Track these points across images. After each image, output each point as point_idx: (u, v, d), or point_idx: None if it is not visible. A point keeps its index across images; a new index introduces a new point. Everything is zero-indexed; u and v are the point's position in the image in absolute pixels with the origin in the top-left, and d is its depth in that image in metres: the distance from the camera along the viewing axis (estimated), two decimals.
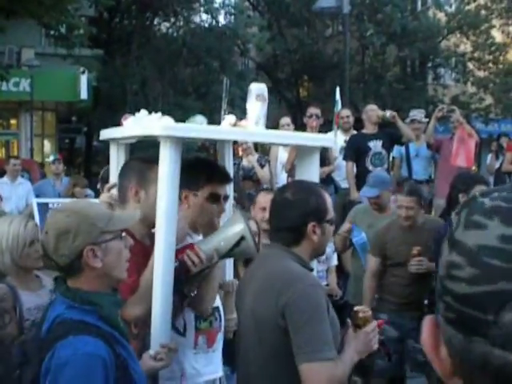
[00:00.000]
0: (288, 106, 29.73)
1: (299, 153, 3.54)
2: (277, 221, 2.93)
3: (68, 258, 2.44)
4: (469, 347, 0.89)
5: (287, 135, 3.58)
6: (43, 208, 7.32)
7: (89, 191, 9.26)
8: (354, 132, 9.53)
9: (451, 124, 9.24)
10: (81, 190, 8.85)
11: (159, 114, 3.17)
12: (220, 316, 3.41)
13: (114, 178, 3.53)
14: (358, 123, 9.79)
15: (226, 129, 3.20)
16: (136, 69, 24.19)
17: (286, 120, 8.93)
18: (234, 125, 3.18)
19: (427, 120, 9.53)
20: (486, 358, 0.87)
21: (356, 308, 3.02)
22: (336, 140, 8.83)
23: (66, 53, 16.49)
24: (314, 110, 9.12)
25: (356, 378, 6.64)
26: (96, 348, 2.34)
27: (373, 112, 8.94)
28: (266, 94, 3.29)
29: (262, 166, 8.41)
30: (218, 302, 3.37)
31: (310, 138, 3.56)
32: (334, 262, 6.86)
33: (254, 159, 8.50)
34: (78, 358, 2.30)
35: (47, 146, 26.00)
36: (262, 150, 9.06)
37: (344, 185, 8.82)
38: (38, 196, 9.79)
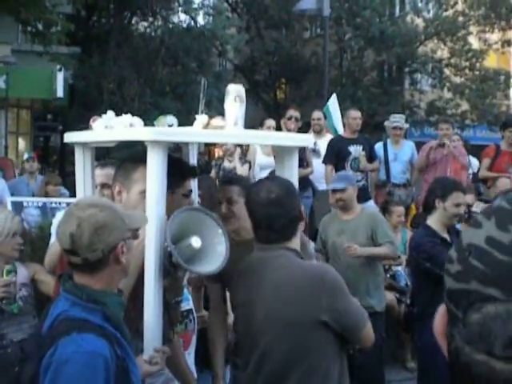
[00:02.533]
0: (265, 108, 29.70)
1: (278, 153, 3.52)
2: (271, 220, 2.97)
3: (101, 253, 2.43)
4: (450, 339, 0.94)
5: (268, 135, 3.58)
6: (18, 206, 7.24)
7: (63, 189, 9.15)
8: (328, 135, 9.62)
9: (441, 132, 9.22)
10: (54, 187, 8.74)
11: (129, 115, 3.13)
12: (194, 318, 3.38)
13: (80, 181, 3.48)
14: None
15: (213, 132, 3.19)
16: (113, 68, 24.02)
17: (270, 122, 8.96)
18: (207, 125, 3.15)
19: (407, 125, 9.61)
20: (458, 353, 0.90)
21: None
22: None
23: (42, 50, 16.31)
24: (293, 113, 9.17)
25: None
26: (99, 347, 2.32)
27: (354, 121, 9.01)
28: (243, 95, 3.29)
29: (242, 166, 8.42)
30: (190, 304, 3.34)
31: (289, 138, 3.54)
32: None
33: (237, 157, 8.50)
34: (80, 355, 2.28)
35: (22, 143, 25.77)
36: (241, 151, 9.02)
37: (321, 187, 8.82)
38: (12, 194, 9.68)
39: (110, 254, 2.45)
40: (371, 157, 9.04)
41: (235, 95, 3.22)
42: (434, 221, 5.22)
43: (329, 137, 9.64)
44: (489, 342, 0.85)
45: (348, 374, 3.09)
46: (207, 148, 18.22)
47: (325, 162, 8.94)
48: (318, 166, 8.91)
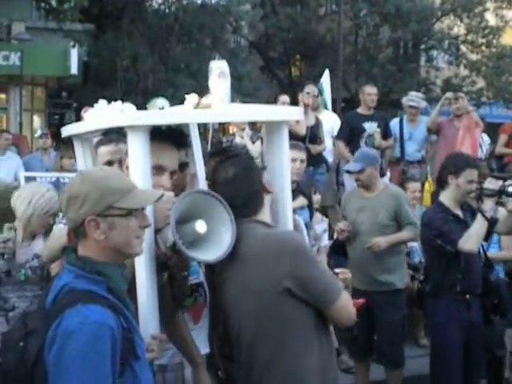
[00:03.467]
0: (280, 85, 29.57)
1: (267, 128, 3.41)
2: (232, 199, 2.98)
3: (73, 223, 2.47)
4: None
5: (255, 111, 3.40)
6: (31, 181, 7.26)
7: (76, 165, 9.15)
8: (324, 111, 9.71)
9: (458, 111, 9.14)
10: (68, 160, 8.74)
11: (119, 102, 3.08)
12: (205, 291, 3.33)
13: None
14: (348, 103, 9.80)
15: (195, 111, 3.09)
16: (127, 44, 23.93)
17: (284, 98, 8.93)
18: (197, 105, 3.07)
19: (425, 104, 9.53)
20: None
21: (337, 270, 3.42)
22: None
23: (56, 27, 16.30)
24: (311, 88, 9.17)
25: (345, 357, 6.67)
26: (105, 317, 2.32)
27: (369, 97, 8.95)
28: (227, 70, 3.23)
29: (253, 143, 8.36)
30: (200, 278, 3.30)
31: (278, 112, 3.40)
32: (325, 242, 6.80)
33: (248, 134, 8.46)
34: (86, 326, 2.27)
35: (36, 121, 25.79)
36: (254, 127, 8.99)
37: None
38: (26, 170, 9.72)
39: (84, 227, 2.45)
40: (386, 134, 8.98)
41: (219, 72, 3.16)
42: (446, 197, 5.18)
43: (326, 113, 9.63)
44: None
45: (336, 354, 3.07)
46: (221, 125, 18.16)
47: (337, 137, 8.92)
48: None
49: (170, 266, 2.86)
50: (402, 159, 9.30)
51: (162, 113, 2.99)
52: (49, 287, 2.52)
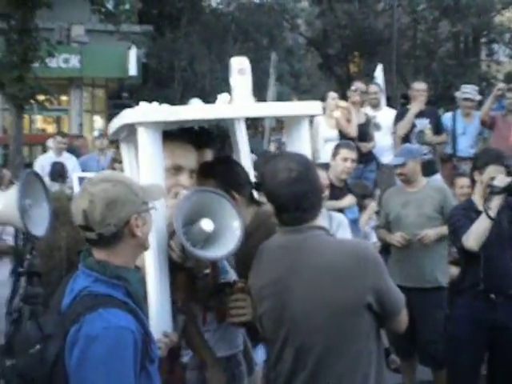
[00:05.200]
0: (338, 82, 29.41)
1: (288, 123, 3.35)
2: (299, 200, 2.80)
3: (115, 227, 2.44)
4: None
5: (274, 107, 3.35)
6: (83, 182, 7.41)
7: None
8: (384, 108, 9.58)
9: (507, 100, 8.96)
10: (120, 165, 8.87)
11: (155, 103, 3.08)
12: (232, 292, 3.32)
13: (127, 171, 3.39)
14: (408, 99, 9.70)
15: (208, 107, 3.08)
16: (185, 45, 24.17)
17: (332, 94, 8.95)
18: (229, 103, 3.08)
19: (480, 97, 9.34)
20: None
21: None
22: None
23: (115, 29, 16.53)
24: (359, 85, 9.18)
25: (394, 356, 6.63)
26: (127, 322, 2.34)
27: (418, 93, 8.86)
28: (247, 67, 3.17)
29: None
30: (228, 278, 3.28)
31: (297, 107, 3.34)
32: (373, 239, 6.77)
33: None
34: (110, 331, 2.29)
35: (97, 121, 26.23)
36: None
37: (384, 161, 8.74)
38: (83, 171, 9.89)
39: (124, 229, 2.45)
40: (438, 129, 8.88)
41: (238, 68, 3.13)
42: (475, 193, 5.03)
43: (386, 109, 9.55)
44: None
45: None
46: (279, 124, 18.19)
47: (394, 133, 8.89)
48: (379, 139, 8.85)
49: (187, 267, 2.87)
50: (454, 155, 9.15)
51: (172, 109, 2.96)
52: (63, 290, 2.53)
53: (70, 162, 10.98)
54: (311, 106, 3.30)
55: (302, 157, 2.93)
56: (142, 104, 3.11)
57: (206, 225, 2.78)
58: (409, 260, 5.88)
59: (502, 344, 4.83)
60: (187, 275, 2.93)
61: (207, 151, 3.35)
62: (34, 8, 12.71)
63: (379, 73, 11.12)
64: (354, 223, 6.06)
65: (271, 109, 3.40)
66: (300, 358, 2.79)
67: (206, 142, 3.28)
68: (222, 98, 3.16)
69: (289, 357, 2.81)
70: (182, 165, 3.01)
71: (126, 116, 2.97)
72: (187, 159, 3.04)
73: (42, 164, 10.88)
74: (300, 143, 3.19)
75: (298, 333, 2.78)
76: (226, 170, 3.23)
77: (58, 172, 9.51)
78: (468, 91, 9.29)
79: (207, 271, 2.99)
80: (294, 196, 2.77)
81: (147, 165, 2.84)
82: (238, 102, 3.09)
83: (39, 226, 3.06)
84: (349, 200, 6.28)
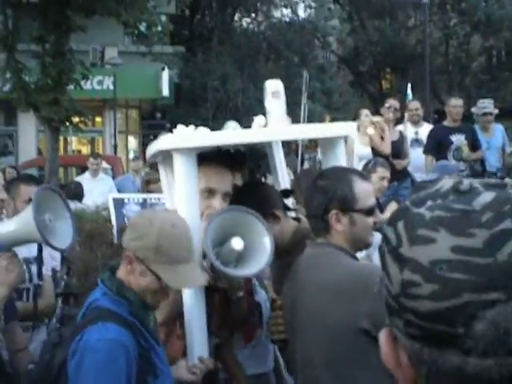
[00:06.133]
0: (370, 99, 29.39)
1: (323, 144, 3.36)
2: (307, 208, 2.87)
3: (128, 254, 2.58)
4: (440, 359, 0.87)
5: (309, 129, 3.36)
6: (119, 203, 7.44)
7: None
8: (425, 124, 9.48)
9: None
10: (154, 185, 8.90)
11: (192, 127, 3.10)
12: (260, 312, 3.29)
13: (167, 198, 3.45)
14: (442, 115, 9.66)
15: (244, 132, 3.10)
16: (216, 65, 24.33)
17: (365, 112, 8.96)
18: (265, 126, 3.07)
19: (497, 111, 9.31)
20: (462, 368, 0.86)
21: None
22: (406, 133, 8.92)
23: (147, 50, 16.72)
24: (392, 102, 9.13)
25: None
26: (120, 335, 2.42)
27: (454, 109, 8.82)
28: (281, 90, 3.17)
29: None
30: (259, 298, 3.26)
31: (332, 129, 3.31)
32: None
33: None
34: (102, 343, 2.39)
35: (131, 142, 26.44)
36: None
37: (419, 178, 8.69)
38: (118, 191, 9.97)
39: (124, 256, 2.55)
40: (475, 146, 8.80)
41: (273, 91, 3.13)
42: None
43: (427, 125, 9.51)
44: (508, 341, 0.83)
45: None
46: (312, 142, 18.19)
47: (425, 151, 8.81)
48: (420, 155, 8.82)
49: (220, 288, 2.87)
50: (485, 171, 9.06)
51: (208, 135, 2.98)
52: (84, 303, 2.66)
53: (106, 182, 11.09)
54: (346, 127, 3.29)
55: (344, 173, 2.90)
56: (180, 128, 3.13)
57: (236, 243, 2.76)
58: None
59: None
60: (221, 298, 2.93)
61: (238, 174, 3.35)
62: (68, 31, 12.88)
63: (409, 90, 11.14)
64: None
65: (306, 131, 3.43)
66: (303, 371, 2.85)
67: (239, 165, 3.28)
68: (258, 120, 3.16)
69: (298, 370, 2.89)
70: (216, 188, 3.00)
71: (163, 142, 3.01)
72: (221, 183, 3.02)
73: None
74: (336, 164, 3.17)
75: (301, 347, 2.83)
76: (262, 191, 3.26)
77: (74, 191, 9.58)
78: (486, 105, 9.25)
79: (241, 294, 2.99)
80: (307, 203, 2.85)
81: (182, 190, 2.86)
82: (273, 125, 3.09)
83: (63, 239, 3.06)
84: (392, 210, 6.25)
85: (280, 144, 3.75)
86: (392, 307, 0.94)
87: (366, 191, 2.81)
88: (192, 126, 3.12)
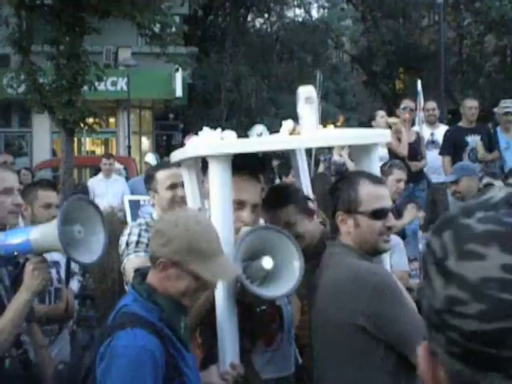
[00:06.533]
0: (383, 99, 29.31)
1: (355, 150, 3.36)
2: (324, 210, 3.00)
3: (154, 258, 2.60)
4: (482, 382, 0.84)
5: (344, 136, 3.35)
6: (135, 205, 7.46)
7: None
8: (440, 125, 9.41)
9: None
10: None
11: (219, 130, 3.08)
12: (281, 315, 3.28)
13: (190, 201, 3.44)
14: (455, 115, 9.61)
15: (275, 139, 3.10)
16: (230, 65, 24.35)
17: (380, 113, 8.98)
18: (293, 131, 3.06)
19: None
20: None
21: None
22: (422, 134, 8.89)
23: (160, 51, 16.76)
24: (408, 103, 9.12)
25: None
26: (147, 342, 2.41)
27: (470, 110, 8.78)
28: (314, 95, 3.17)
29: (352, 161, 8.35)
30: (281, 302, 3.24)
31: (366, 135, 3.26)
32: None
33: (345, 153, 8.44)
34: (129, 349, 2.39)
35: (145, 143, 26.48)
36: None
37: (434, 179, 8.66)
38: (131, 193, 9.96)
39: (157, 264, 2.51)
40: (491, 146, 8.76)
41: (306, 97, 3.12)
42: None
43: (443, 127, 9.46)
44: None
45: None
46: None
47: (441, 153, 8.77)
48: (437, 157, 8.79)
49: (245, 302, 2.87)
50: (503, 172, 9.00)
51: (244, 142, 2.99)
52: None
53: (119, 183, 11.09)
54: (381, 134, 3.31)
55: (354, 177, 2.98)
56: (205, 131, 3.12)
57: (267, 262, 2.77)
58: None
59: None
60: (245, 308, 2.92)
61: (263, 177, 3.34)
62: (82, 33, 12.92)
63: (420, 87, 10.98)
64: (414, 235, 6.05)
65: (341, 138, 3.44)
66: (317, 368, 2.95)
67: (266, 169, 3.28)
68: (286, 125, 3.14)
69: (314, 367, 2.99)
70: (246, 200, 2.98)
71: (197, 148, 3.01)
72: (251, 194, 3.01)
73: (92, 186, 11.06)
74: (370, 170, 3.13)
75: (313, 344, 2.95)
76: (297, 190, 3.33)
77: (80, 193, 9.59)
78: (508, 105, 9.19)
79: (264, 307, 2.99)
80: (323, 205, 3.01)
81: (217, 196, 2.86)
82: (306, 132, 3.08)
83: (90, 253, 3.02)
84: (410, 214, 6.20)
85: (303, 152, 3.75)
86: (434, 322, 0.90)
87: (372, 194, 2.84)
88: (218, 130, 3.12)
